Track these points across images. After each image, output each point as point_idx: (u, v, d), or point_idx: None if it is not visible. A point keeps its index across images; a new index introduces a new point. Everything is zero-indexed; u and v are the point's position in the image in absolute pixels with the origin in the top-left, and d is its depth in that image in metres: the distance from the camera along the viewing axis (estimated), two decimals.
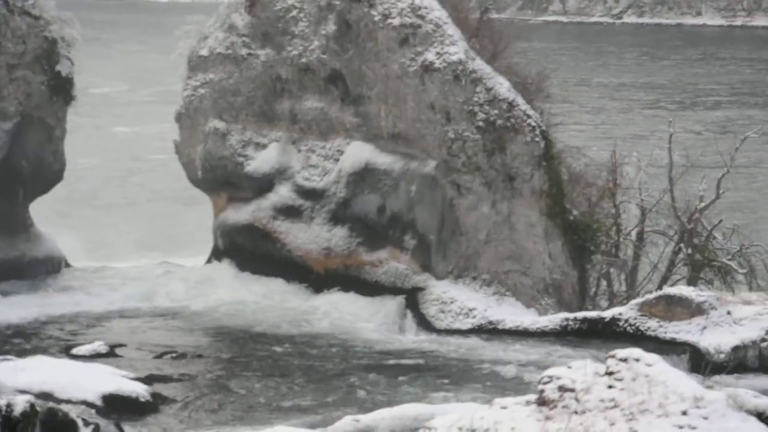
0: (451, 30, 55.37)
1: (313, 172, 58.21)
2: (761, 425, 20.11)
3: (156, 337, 52.85)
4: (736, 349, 47.99)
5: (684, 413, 19.78)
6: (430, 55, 54.56)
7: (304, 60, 57.67)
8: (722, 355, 47.70)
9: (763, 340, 48.18)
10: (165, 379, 45.95)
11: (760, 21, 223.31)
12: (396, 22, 55.05)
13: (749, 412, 20.89)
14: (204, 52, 60.86)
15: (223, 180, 61.00)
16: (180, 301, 57.31)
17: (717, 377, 42.82)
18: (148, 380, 44.32)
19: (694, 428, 19.54)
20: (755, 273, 57.66)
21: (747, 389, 24.13)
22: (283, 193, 58.73)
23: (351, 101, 56.82)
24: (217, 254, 61.51)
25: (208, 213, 63.30)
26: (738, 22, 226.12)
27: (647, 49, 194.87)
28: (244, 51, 59.53)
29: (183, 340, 52.56)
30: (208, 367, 48.92)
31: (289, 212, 58.46)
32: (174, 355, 49.62)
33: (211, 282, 58.88)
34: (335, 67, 56.91)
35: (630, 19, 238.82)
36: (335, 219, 57.20)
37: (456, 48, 54.83)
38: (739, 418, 20.15)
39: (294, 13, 57.92)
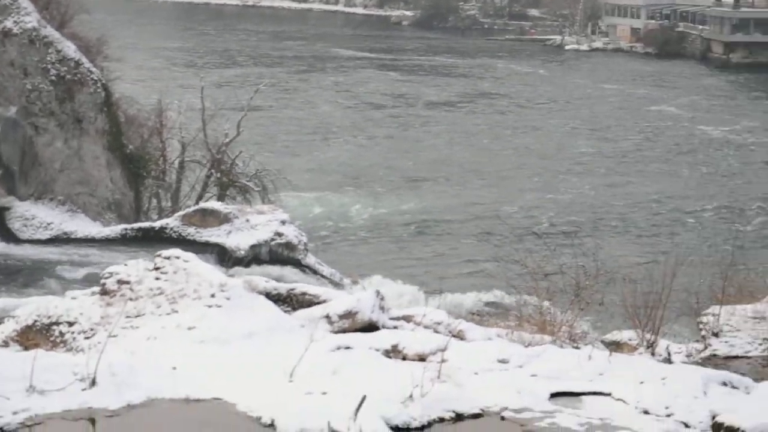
0: (26, 3, 54.79)
1: None
2: (268, 301, 20.76)
3: None
4: (252, 246, 49.44)
5: (212, 296, 20.13)
6: (8, 23, 53.45)
7: None
8: (242, 252, 48.93)
9: (272, 239, 49.88)
10: None
11: (266, 2, 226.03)
12: None
13: (260, 292, 21.54)
14: None
15: None
16: None
17: (238, 268, 43.97)
18: None
19: (219, 306, 19.90)
20: (267, 191, 59.49)
21: (260, 276, 24.89)
22: None
23: None
24: None
25: None
26: (250, 2, 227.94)
27: (183, 22, 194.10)
28: None
29: None
30: None
31: None
32: None
33: None
34: None
35: None
36: None
37: (30, 18, 54.38)
38: (252, 297, 20.67)
39: None
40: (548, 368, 18.05)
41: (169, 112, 61.87)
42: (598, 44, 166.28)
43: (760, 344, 23.79)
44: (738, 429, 14.60)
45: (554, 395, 17.09)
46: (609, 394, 17.16)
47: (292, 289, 22.51)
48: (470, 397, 16.55)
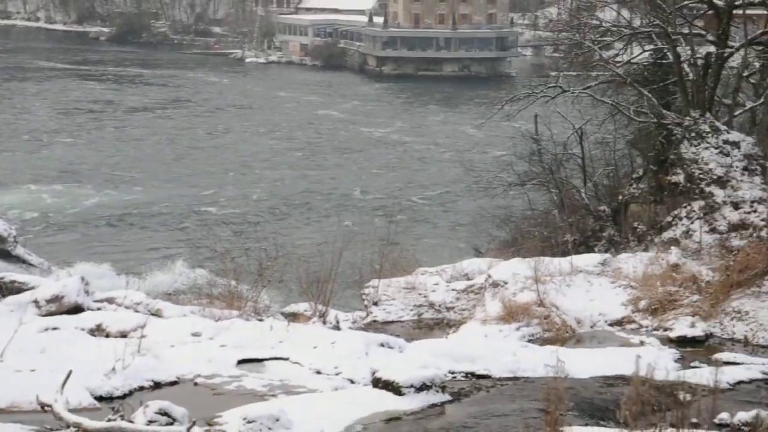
0: None
1: None
2: None
3: None
4: None
5: None
6: None
7: None
8: None
9: None
10: None
11: None
12: None
13: None
14: None
15: None
16: None
17: None
18: None
19: None
20: None
21: None
22: None
23: None
24: None
25: None
26: None
27: None
28: None
29: None
30: None
31: None
32: None
33: None
34: None
35: None
36: None
37: None
38: None
39: None
40: (235, 339, 18.09)
41: None
42: (273, 57, 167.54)
43: (411, 310, 24.66)
44: (393, 382, 15.05)
45: (241, 362, 17.15)
46: (287, 359, 17.37)
47: (1, 278, 21.54)
48: (167, 367, 16.39)
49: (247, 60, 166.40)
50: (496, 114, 36.95)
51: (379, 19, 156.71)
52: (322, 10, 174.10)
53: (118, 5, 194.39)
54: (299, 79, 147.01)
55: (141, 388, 15.57)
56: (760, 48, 33.74)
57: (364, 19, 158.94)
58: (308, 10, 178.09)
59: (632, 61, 36.31)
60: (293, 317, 22.69)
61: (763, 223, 26.37)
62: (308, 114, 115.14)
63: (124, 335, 18.05)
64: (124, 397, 15.11)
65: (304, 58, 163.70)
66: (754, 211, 27.35)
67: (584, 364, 17.59)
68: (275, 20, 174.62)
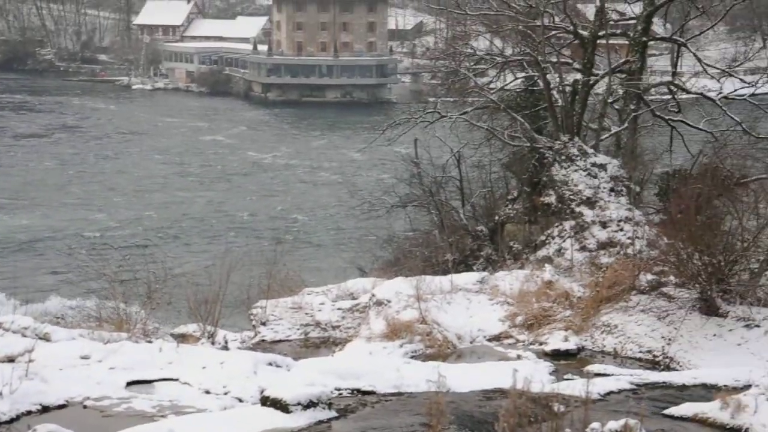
0: None
1: None
2: None
3: None
4: None
5: None
6: None
7: None
8: None
9: None
10: None
11: None
12: None
13: None
14: None
15: None
16: None
17: None
18: None
19: None
20: None
21: None
22: None
23: None
24: None
25: None
26: None
27: None
28: None
29: None
30: None
31: None
32: None
33: None
34: None
35: None
36: None
37: None
38: None
39: None
40: (125, 361, 17.71)
41: None
42: (160, 84, 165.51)
43: (298, 329, 24.52)
44: (281, 399, 14.92)
45: (130, 384, 16.79)
46: (177, 380, 17.07)
47: None
48: (56, 391, 15.95)
49: (134, 87, 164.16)
50: (377, 139, 37.09)
51: (263, 47, 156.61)
52: (208, 38, 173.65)
53: (2, 33, 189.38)
54: (186, 105, 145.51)
55: (29, 413, 15.11)
56: (623, 76, 34.60)
57: (249, 47, 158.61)
58: (194, 38, 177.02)
59: (505, 88, 36.89)
60: (182, 338, 22.34)
61: (629, 241, 26.98)
62: (196, 139, 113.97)
63: (11, 360, 17.49)
64: (11, 421, 14.65)
65: (191, 84, 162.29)
66: (621, 230, 27.98)
67: (465, 378, 17.69)
68: (161, 48, 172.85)
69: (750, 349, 20.71)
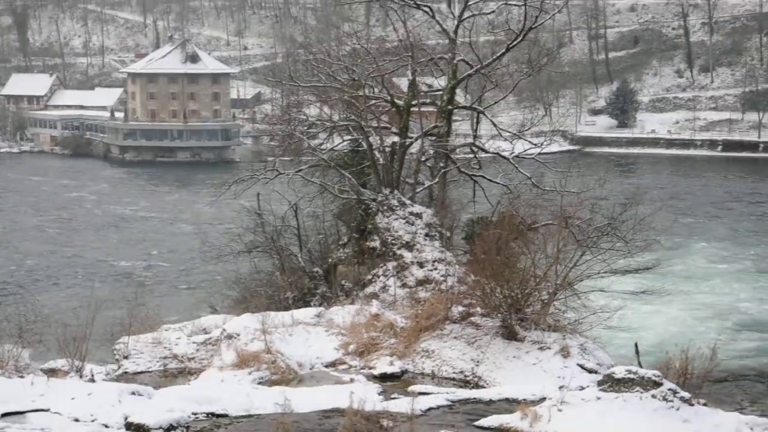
0: None
1: None
2: None
3: None
4: None
5: None
6: None
7: None
8: None
9: None
10: None
11: None
12: None
13: None
14: None
15: None
16: None
17: None
18: None
19: None
20: None
21: None
22: None
23: None
24: None
25: None
26: None
27: None
28: None
29: None
30: None
31: None
32: None
33: None
34: None
35: None
36: None
37: None
38: None
39: None
40: None
41: None
42: (26, 148, 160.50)
43: (158, 362, 23.88)
44: (144, 425, 14.52)
45: (3, 415, 15.98)
46: (48, 410, 16.36)
47: None
48: None
49: (1, 150, 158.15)
50: (224, 193, 36.64)
51: (120, 114, 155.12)
52: (69, 107, 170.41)
53: None
54: (51, 166, 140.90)
55: None
56: (433, 138, 35.35)
57: (107, 114, 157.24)
58: (57, 106, 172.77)
59: (334, 148, 37.12)
60: (53, 373, 21.42)
61: (442, 278, 27.44)
62: (62, 196, 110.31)
63: None
64: None
65: (55, 147, 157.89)
66: (435, 269, 28.45)
67: (306, 400, 17.58)
68: (27, 115, 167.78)
69: (543, 367, 21.33)
